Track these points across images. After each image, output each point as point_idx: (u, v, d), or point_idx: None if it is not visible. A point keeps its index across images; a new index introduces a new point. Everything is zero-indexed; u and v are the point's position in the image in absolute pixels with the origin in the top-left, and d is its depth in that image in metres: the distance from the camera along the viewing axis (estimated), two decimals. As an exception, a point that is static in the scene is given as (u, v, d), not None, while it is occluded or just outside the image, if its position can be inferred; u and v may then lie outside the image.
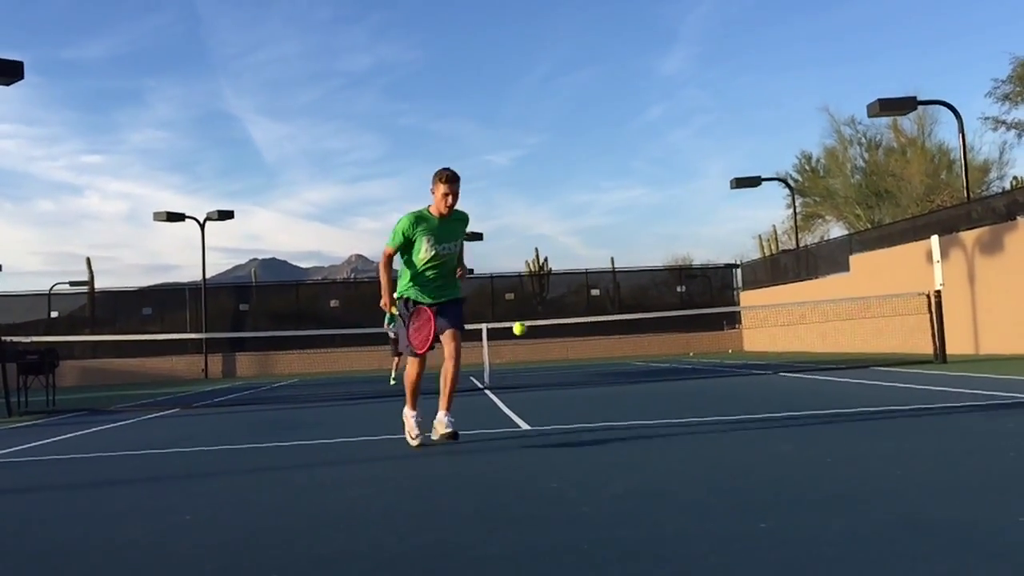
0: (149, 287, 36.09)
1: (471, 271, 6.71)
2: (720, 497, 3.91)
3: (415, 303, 6.04)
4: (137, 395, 17.48)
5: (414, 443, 6.06)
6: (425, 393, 6.33)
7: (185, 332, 28.73)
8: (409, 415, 6.15)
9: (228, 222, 30.32)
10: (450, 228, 6.04)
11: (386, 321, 16.85)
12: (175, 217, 29.71)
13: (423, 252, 5.93)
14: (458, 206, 6.11)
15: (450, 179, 5.90)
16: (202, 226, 29.63)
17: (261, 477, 5.41)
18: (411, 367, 6.08)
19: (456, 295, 6.16)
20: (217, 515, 4.13)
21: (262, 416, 10.63)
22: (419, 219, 5.95)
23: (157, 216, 29.76)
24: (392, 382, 16.05)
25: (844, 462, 4.72)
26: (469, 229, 6.54)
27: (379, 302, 6.18)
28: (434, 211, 5.98)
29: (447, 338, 5.95)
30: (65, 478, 5.85)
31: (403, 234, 5.96)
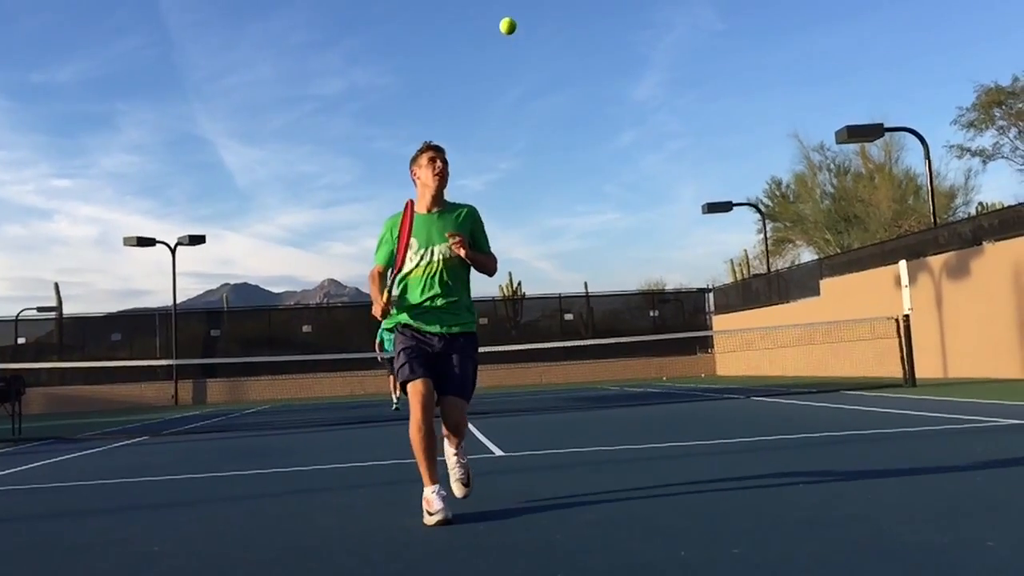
0: (118, 312, 35.69)
1: (491, 264, 4.52)
2: (692, 523, 3.91)
3: (408, 330, 4.41)
4: (105, 423, 17.21)
5: (430, 520, 4.15)
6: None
7: (155, 358, 28.38)
8: (426, 491, 4.24)
9: (199, 247, 30.12)
10: (444, 224, 4.41)
11: (377, 341, 16.55)
12: (145, 242, 29.44)
13: (408, 262, 4.41)
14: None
15: (432, 146, 4.51)
16: (173, 251, 29.38)
17: (231, 506, 5.35)
18: (413, 427, 4.25)
19: (468, 327, 4.45)
20: (186, 546, 4.07)
21: (233, 444, 10.51)
22: (398, 220, 4.44)
23: (127, 241, 29.47)
24: (395, 407, 15.75)
25: (815, 487, 4.75)
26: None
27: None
28: (419, 206, 4.49)
29: (447, 407, 4.34)
30: (30, 508, 5.74)
31: (385, 242, 4.48)
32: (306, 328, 31.01)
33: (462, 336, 4.41)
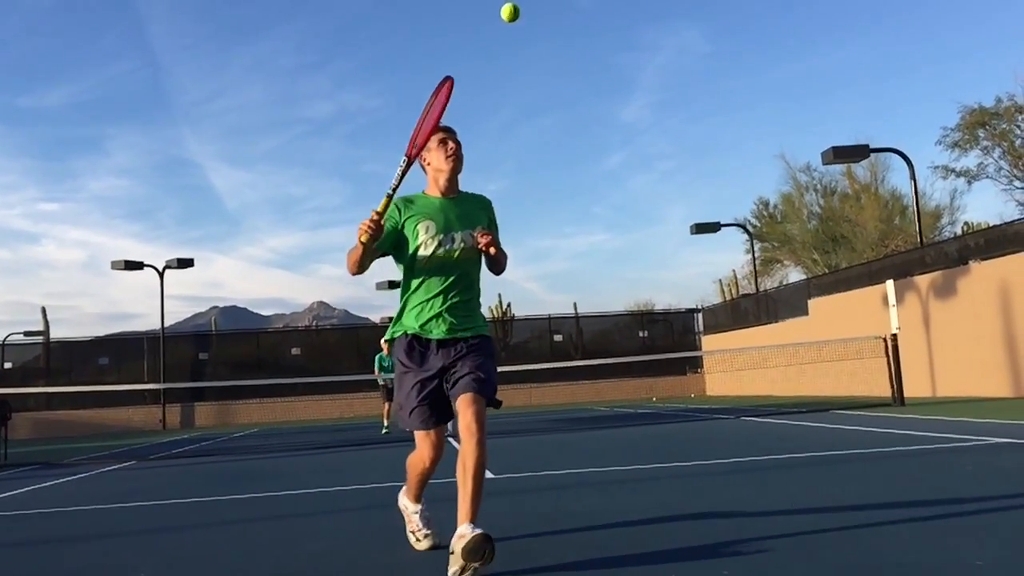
0: (106, 336, 35.49)
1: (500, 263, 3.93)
2: (684, 544, 3.91)
3: (416, 341, 3.81)
4: (92, 447, 17.08)
5: (421, 545, 4.07)
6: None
7: (143, 382, 28.21)
8: (410, 508, 4.13)
9: (188, 270, 30.02)
10: (462, 210, 3.89)
11: (376, 366, 16.49)
12: (133, 265, 29.34)
13: (422, 248, 3.78)
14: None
15: (442, 127, 3.90)
16: (161, 274, 29.28)
17: (219, 531, 5.31)
18: (416, 462, 3.94)
19: (481, 329, 3.88)
20: (174, 572, 4.04)
21: (221, 468, 10.44)
22: (408, 201, 3.86)
23: (115, 265, 29.37)
24: (385, 431, 15.62)
25: (805, 507, 4.76)
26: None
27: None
28: (432, 190, 3.93)
29: (463, 404, 3.64)
30: (16, 535, 5.68)
31: (387, 219, 3.78)
32: (295, 351, 30.90)
33: (476, 339, 3.83)
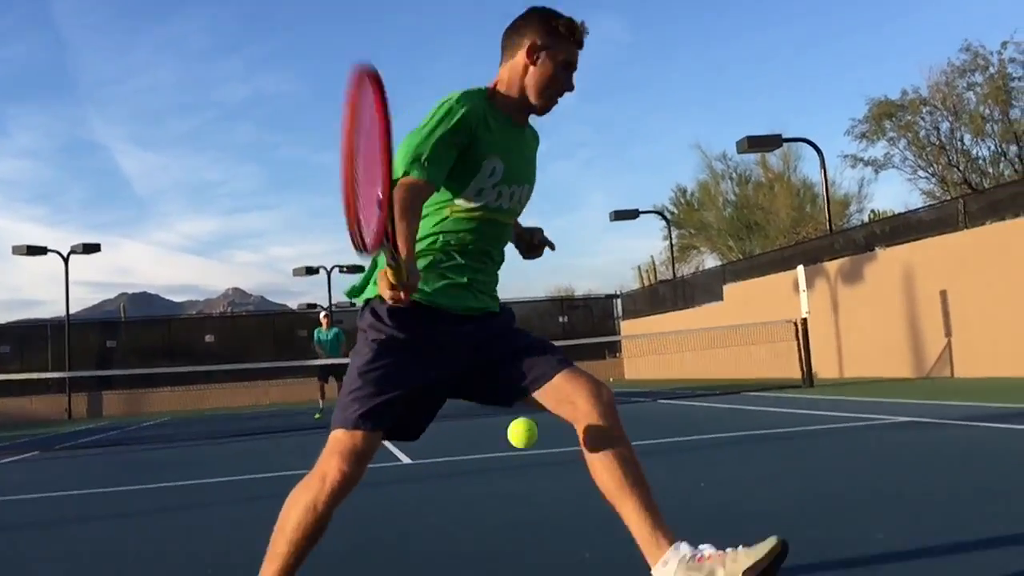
0: (7, 324, 34.05)
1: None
2: (599, 525, 3.93)
3: (425, 310, 2.48)
4: (-8, 439, 16.37)
5: None
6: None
7: (47, 371, 27.15)
8: None
9: (95, 255, 28.98)
10: (528, 155, 2.69)
11: (314, 340, 15.40)
12: (36, 251, 28.18)
13: (474, 196, 2.53)
14: None
15: (582, 34, 2.57)
16: (66, 260, 28.18)
17: (125, 523, 5.13)
18: (317, 495, 2.55)
19: (496, 305, 2.70)
20: (75, 568, 3.89)
21: (129, 457, 10.12)
22: (486, 117, 2.50)
23: (16, 250, 28.16)
24: (318, 416, 14.61)
25: (716, 486, 4.84)
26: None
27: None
28: (509, 100, 2.59)
29: (576, 379, 2.73)
30: (-96, 531, 5.39)
31: (446, 143, 2.41)
32: (208, 338, 30.18)
33: (501, 318, 2.71)
